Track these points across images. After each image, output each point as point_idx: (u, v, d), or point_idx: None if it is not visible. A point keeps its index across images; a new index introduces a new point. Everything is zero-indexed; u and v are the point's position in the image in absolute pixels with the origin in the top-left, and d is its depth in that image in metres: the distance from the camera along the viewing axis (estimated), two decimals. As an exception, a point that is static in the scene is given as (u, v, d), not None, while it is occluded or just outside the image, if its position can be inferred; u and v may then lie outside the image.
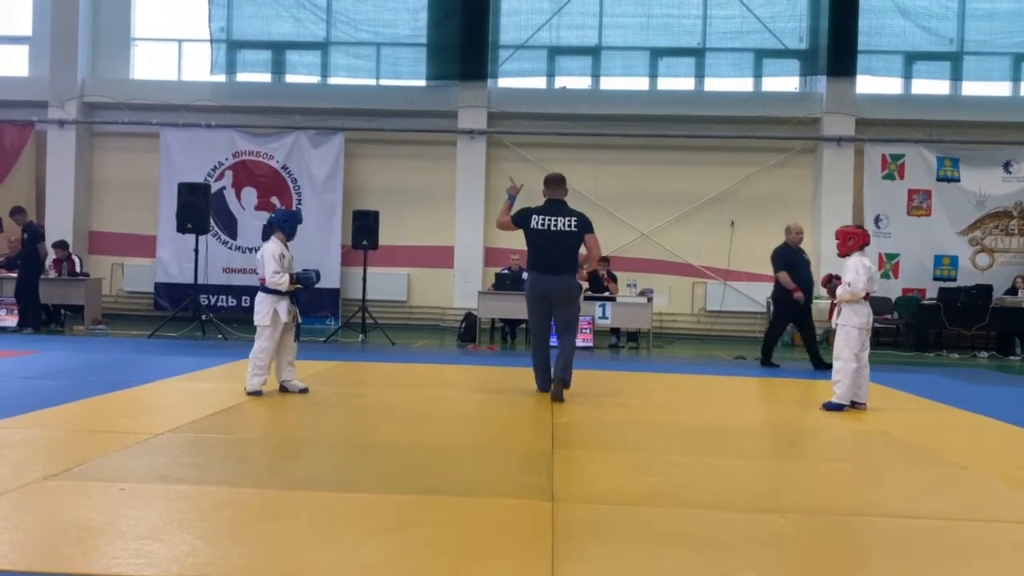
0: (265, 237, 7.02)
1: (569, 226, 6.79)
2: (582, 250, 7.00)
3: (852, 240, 6.80)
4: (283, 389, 6.65)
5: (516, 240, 14.48)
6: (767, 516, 3.59)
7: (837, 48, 14.05)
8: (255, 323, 6.55)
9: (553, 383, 6.67)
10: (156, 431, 4.94)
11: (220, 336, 11.61)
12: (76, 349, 9.73)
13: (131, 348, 10.11)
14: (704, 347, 12.97)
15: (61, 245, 12.94)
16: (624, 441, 5.23)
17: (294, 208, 14.59)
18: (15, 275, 13.06)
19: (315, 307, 14.33)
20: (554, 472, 4.22)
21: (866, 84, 14.46)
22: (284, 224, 6.89)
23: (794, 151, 14.59)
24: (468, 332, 12.66)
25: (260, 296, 6.62)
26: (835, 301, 6.81)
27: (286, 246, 6.78)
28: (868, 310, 6.80)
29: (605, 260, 13.12)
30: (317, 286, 7.22)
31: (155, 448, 4.55)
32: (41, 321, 12.04)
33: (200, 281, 12.38)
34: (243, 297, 14.25)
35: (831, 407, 6.58)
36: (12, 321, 12.05)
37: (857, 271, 6.60)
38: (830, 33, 14.07)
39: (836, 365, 6.63)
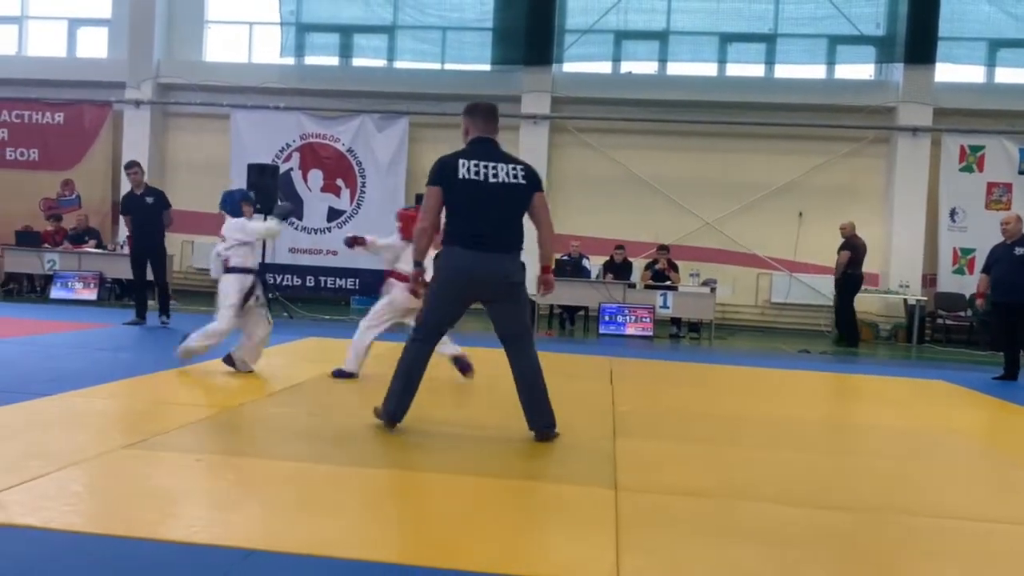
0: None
1: (514, 177, 4.52)
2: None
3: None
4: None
5: (577, 226, 14.53)
6: (831, 512, 3.53)
7: (916, 35, 13.59)
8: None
9: (534, 432, 4.55)
10: (229, 404, 5.09)
11: (286, 314, 11.88)
12: (148, 323, 10.05)
13: (201, 323, 10.37)
14: (768, 340, 12.75)
15: (135, 222, 13.35)
16: (685, 432, 5.18)
17: (359, 191, 14.82)
18: (87, 250, 13.61)
19: (376, 288, 14.54)
20: (616, 461, 4.21)
21: (946, 72, 13.96)
22: (224, 206, 6.60)
23: (867, 141, 14.18)
24: (527, 317, 12.66)
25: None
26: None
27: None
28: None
29: (665, 249, 13.01)
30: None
31: (228, 421, 4.69)
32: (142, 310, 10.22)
33: (267, 260, 12.65)
34: (308, 277, 14.60)
35: (341, 374, 6.38)
36: (91, 295, 12.56)
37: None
38: (909, 19, 13.61)
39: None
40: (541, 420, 4.56)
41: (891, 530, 3.39)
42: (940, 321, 13.65)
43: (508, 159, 4.61)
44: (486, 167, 4.48)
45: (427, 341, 4.59)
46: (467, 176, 4.45)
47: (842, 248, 12.32)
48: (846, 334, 12.36)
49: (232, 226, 6.41)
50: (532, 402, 4.56)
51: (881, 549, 3.18)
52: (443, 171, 4.49)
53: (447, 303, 4.57)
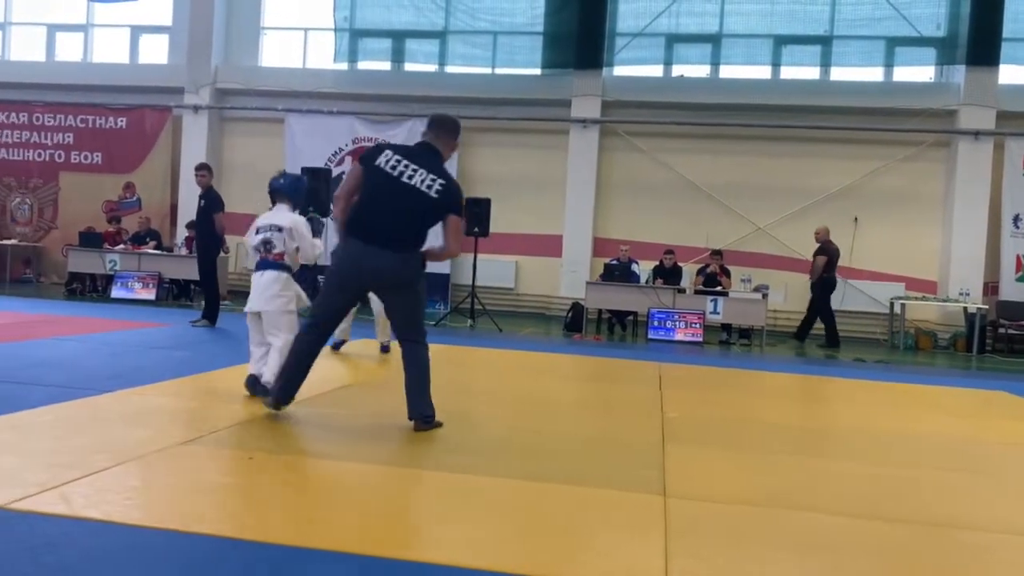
0: (273, 203, 5.87)
1: (428, 186, 4.39)
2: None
3: None
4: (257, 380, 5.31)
5: (626, 230, 14.45)
6: (883, 524, 3.45)
7: (979, 35, 13.22)
8: (277, 309, 5.51)
9: (413, 420, 4.65)
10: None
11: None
12: (215, 325, 10.24)
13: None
14: (821, 348, 12.49)
15: (191, 225, 13.72)
16: (736, 440, 5.11)
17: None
18: (146, 251, 14.00)
19: (426, 292, 14.67)
20: (665, 467, 4.17)
21: (1009, 74, 13.55)
22: (294, 193, 5.82)
23: (926, 145, 13.83)
24: (575, 321, 12.66)
25: (280, 275, 5.67)
26: None
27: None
28: None
29: (718, 253, 12.86)
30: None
31: (280, 420, 4.77)
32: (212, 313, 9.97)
33: (321, 263, 12.85)
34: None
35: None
36: (149, 295, 12.91)
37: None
38: (971, 19, 13.25)
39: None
40: (415, 411, 4.66)
41: (945, 543, 3.30)
42: (1002, 330, 13.24)
43: (435, 169, 4.49)
44: (406, 165, 4.43)
45: (313, 330, 4.69)
46: (382, 166, 4.43)
47: (817, 253, 12.48)
48: (825, 336, 12.53)
49: (298, 226, 5.91)
50: (411, 393, 4.68)
51: (934, 562, 3.09)
52: (370, 153, 4.54)
53: (334, 292, 4.65)
